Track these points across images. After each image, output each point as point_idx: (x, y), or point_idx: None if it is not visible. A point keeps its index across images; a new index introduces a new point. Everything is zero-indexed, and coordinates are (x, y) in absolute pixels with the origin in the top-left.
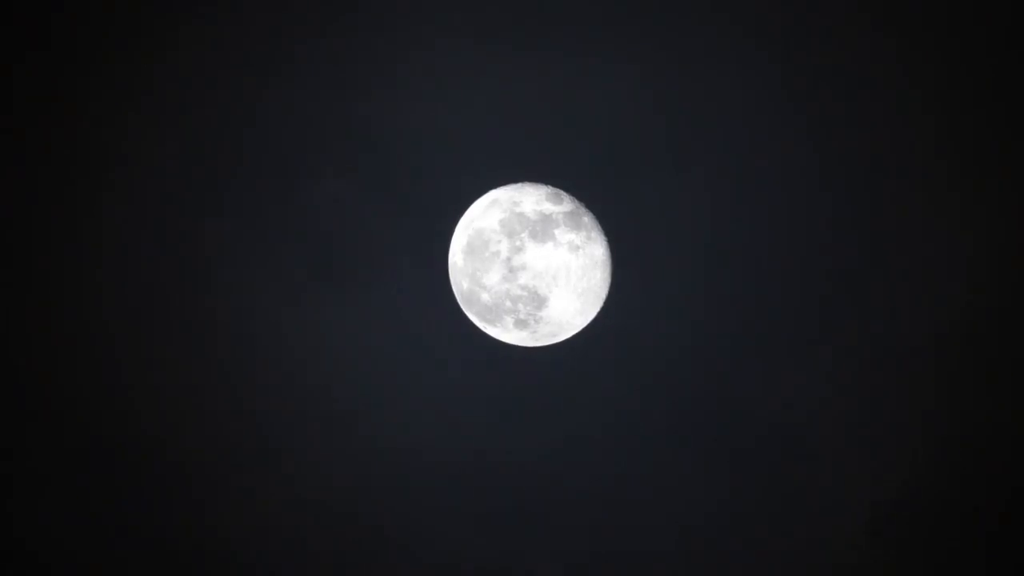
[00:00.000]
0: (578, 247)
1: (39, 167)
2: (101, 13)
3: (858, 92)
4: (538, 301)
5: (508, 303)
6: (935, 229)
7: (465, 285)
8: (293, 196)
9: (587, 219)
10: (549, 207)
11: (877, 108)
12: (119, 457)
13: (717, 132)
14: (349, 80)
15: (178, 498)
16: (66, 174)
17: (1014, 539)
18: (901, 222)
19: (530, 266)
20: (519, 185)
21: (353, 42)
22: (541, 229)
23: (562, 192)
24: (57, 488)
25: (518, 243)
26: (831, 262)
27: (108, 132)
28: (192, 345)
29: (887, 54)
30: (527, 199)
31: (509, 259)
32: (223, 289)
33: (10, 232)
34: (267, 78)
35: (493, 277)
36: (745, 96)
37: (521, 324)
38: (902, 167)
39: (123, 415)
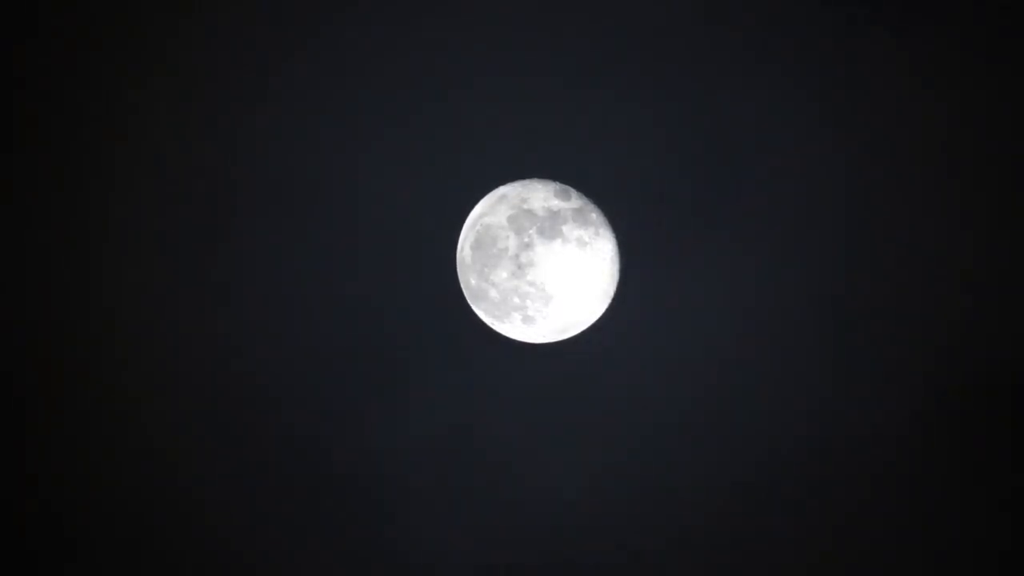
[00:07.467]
0: (586, 243)
1: (39, 167)
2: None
3: (863, 96)
4: (546, 298)
5: (516, 299)
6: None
7: (473, 282)
8: (295, 195)
9: (595, 215)
10: (557, 203)
11: (887, 112)
12: (122, 462)
13: (724, 128)
14: (353, 77)
15: (197, 505)
16: (66, 174)
17: None
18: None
19: (538, 263)
20: (527, 181)
21: (358, 39)
22: (549, 226)
23: (570, 188)
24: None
25: (526, 240)
26: None
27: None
28: (193, 344)
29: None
30: (535, 196)
31: (517, 256)
32: (224, 288)
33: (10, 233)
34: (267, 77)
35: (501, 274)
36: (750, 93)
37: (529, 320)
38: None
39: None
